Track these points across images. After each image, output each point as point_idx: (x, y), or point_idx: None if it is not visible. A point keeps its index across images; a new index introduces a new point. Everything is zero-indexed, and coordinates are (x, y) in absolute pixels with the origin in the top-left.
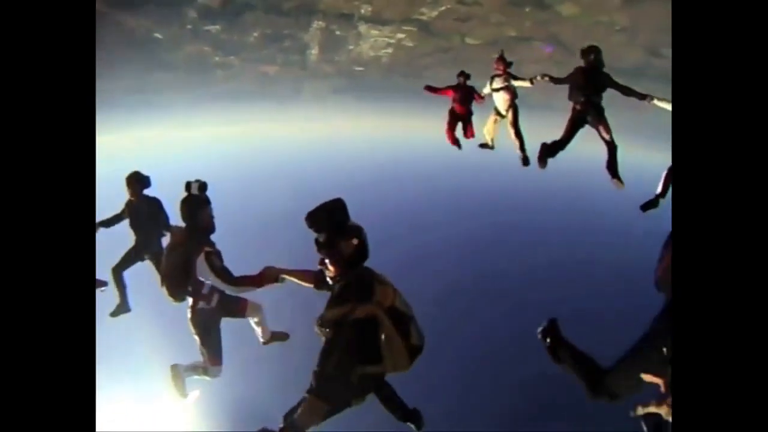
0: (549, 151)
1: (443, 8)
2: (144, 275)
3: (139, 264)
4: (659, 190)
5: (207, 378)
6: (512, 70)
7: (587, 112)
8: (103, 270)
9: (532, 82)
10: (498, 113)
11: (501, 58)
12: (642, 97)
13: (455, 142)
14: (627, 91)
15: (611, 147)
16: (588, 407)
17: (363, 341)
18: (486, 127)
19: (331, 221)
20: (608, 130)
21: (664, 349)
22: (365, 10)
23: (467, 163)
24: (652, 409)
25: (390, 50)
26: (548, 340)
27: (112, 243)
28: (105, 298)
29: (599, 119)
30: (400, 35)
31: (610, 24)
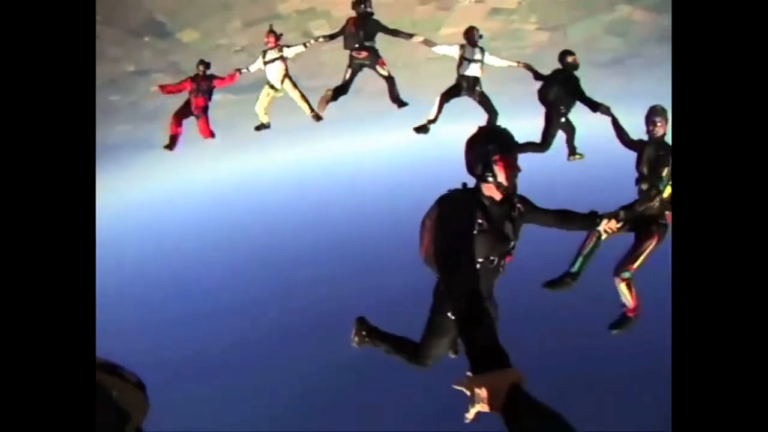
0: (333, 96)
1: None
2: (145, 273)
3: (138, 265)
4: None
5: None
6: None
7: (362, 57)
8: (104, 269)
9: (306, 46)
10: (271, 87)
11: (271, 32)
12: (408, 36)
13: (173, 139)
14: (394, 33)
15: (389, 80)
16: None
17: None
18: (259, 104)
19: None
20: (384, 66)
21: (449, 314)
22: None
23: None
24: (478, 410)
25: None
26: (364, 335)
27: (112, 244)
28: (105, 298)
29: (375, 59)
30: None
31: (230, 46)
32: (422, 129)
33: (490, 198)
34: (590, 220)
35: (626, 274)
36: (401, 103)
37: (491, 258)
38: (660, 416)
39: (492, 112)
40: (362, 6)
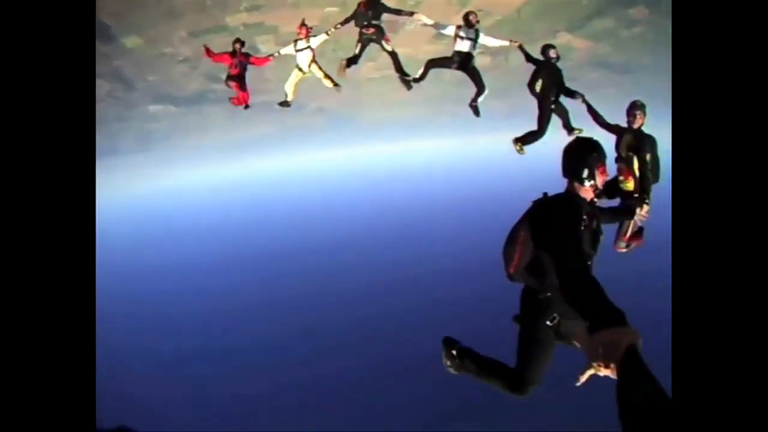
0: (348, 63)
1: None
2: (145, 272)
3: (138, 263)
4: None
5: None
6: None
7: (370, 32)
8: (104, 270)
9: (327, 34)
10: (300, 70)
11: (303, 24)
12: (410, 14)
13: (244, 101)
14: (397, 12)
15: (392, 55)
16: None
17: None
18: (289, 83)
19: None
20: (388, 42)
21: (548, 323)
22: None
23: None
24: (592, 372)
25: None
26: (455, 354)
27: (113, 244)
28: (105, 297)
29: (381, 35)
30: None
31: (173, 55)
32: (406, 83)
33: (584, 199)
34: (629, 212)
35: (622, 245)
36: (405, 76)
37: (589, 254)
38: None
39: (481, 86)
40: None
